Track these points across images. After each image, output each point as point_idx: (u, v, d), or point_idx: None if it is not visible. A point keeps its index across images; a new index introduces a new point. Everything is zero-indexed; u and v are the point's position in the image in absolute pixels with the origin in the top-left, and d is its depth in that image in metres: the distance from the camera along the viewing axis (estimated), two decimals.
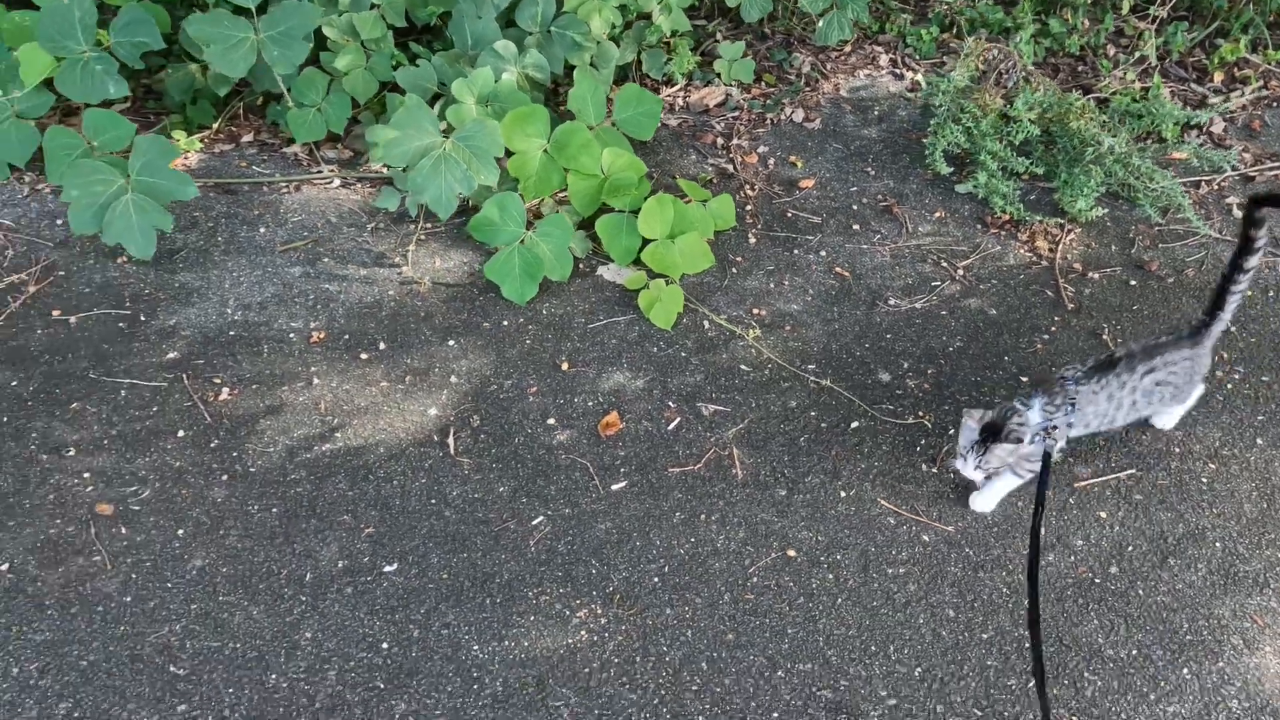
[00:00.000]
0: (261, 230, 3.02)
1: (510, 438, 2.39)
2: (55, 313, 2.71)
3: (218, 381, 2.52)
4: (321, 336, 2.66)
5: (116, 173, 2.83)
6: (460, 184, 2.81)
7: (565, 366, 2.58)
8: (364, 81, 3.23)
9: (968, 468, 2.10)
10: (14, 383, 2.51)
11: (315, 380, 2.53)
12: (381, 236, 3.00)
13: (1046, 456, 2.08)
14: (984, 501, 2.25)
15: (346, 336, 2.66)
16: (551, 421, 2.43)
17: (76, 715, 1.86)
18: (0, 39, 3.20)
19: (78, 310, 2.72)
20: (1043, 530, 2.15)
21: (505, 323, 2.71)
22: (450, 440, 2.38)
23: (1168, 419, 2.42)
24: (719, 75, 3.72)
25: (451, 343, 2.65)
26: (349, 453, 2.35)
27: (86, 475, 2.29)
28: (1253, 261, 2.14)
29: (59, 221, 3.03)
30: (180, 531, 2.16)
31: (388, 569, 2.11)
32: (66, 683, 1.91)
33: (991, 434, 2.08)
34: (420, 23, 3.38)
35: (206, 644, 1.97)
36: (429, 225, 3.04)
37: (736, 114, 3.58)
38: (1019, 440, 2.06)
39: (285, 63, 2.96)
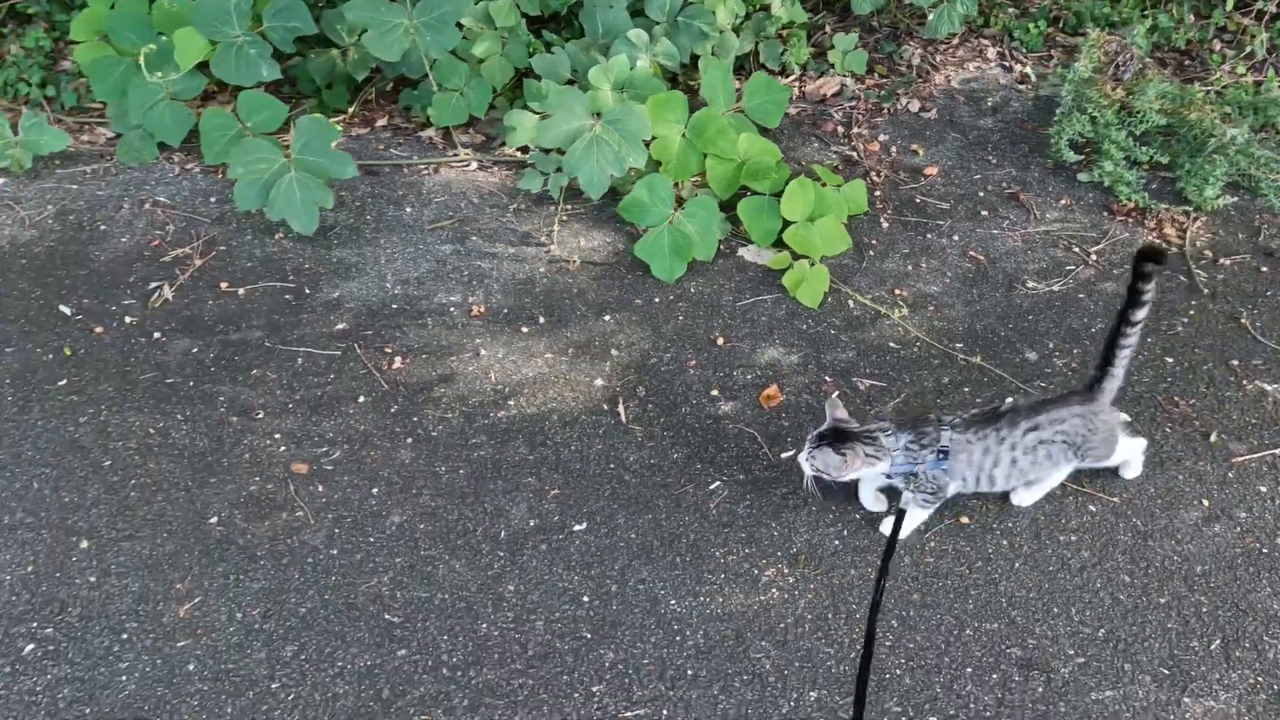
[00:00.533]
0: (407, 210, 3.12)
1: (676, 407, 2.48)
2: (223, 285, 2.82)
3: (389, 351, 2.62)
4: (481, 310, 2.75)
5: (278, 152, 2.94)
6: (612, 165, 2.90)
7: (720, 341, 2.67)
8: (500, 68, 3.33)
9: (802, 453, 2.07)
10: (195, 350, 2.62)
11: (482, 351, 2.63)
12: (524, 217, 3.10)
13: (900, 512, 2.06)
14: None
15: (505, 311, 2.76)
16: (715, 393, 2.52)
17: (302, 657, 1.96)
18: (150, 24, 3.32)
19: (244, 283, 2.83)
20: (887, 581, 2.00)
21: (656, 300, 2.80)
22: (621, 409, 2.47)
23: (1130, 470, 2.29)
24: (832, 66, 3.79)
25: (607, 318, 2.74)
26: (524, 419, 2.44)
27: (277, 436, 2.39)
28: (1140, 315, 2.05)
29: (212, 199, 3.15)
30: (375, 490, 2.26)
31: (577, 528, 2.20)
32: (289, 627, 2.01)
33: (838, 437, 2.02)
34: (549, 11, 3.48)
35: (415, 594, 2.07)
36: (568, 206, 3.13)
37: (854, 104, 3.66)
38: (849, 458, 1.99)
39: (437, 47, 3.06)
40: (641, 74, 3.18)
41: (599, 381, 2.55)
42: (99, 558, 2.12)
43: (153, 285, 2.81)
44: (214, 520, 2.20)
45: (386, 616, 2.03)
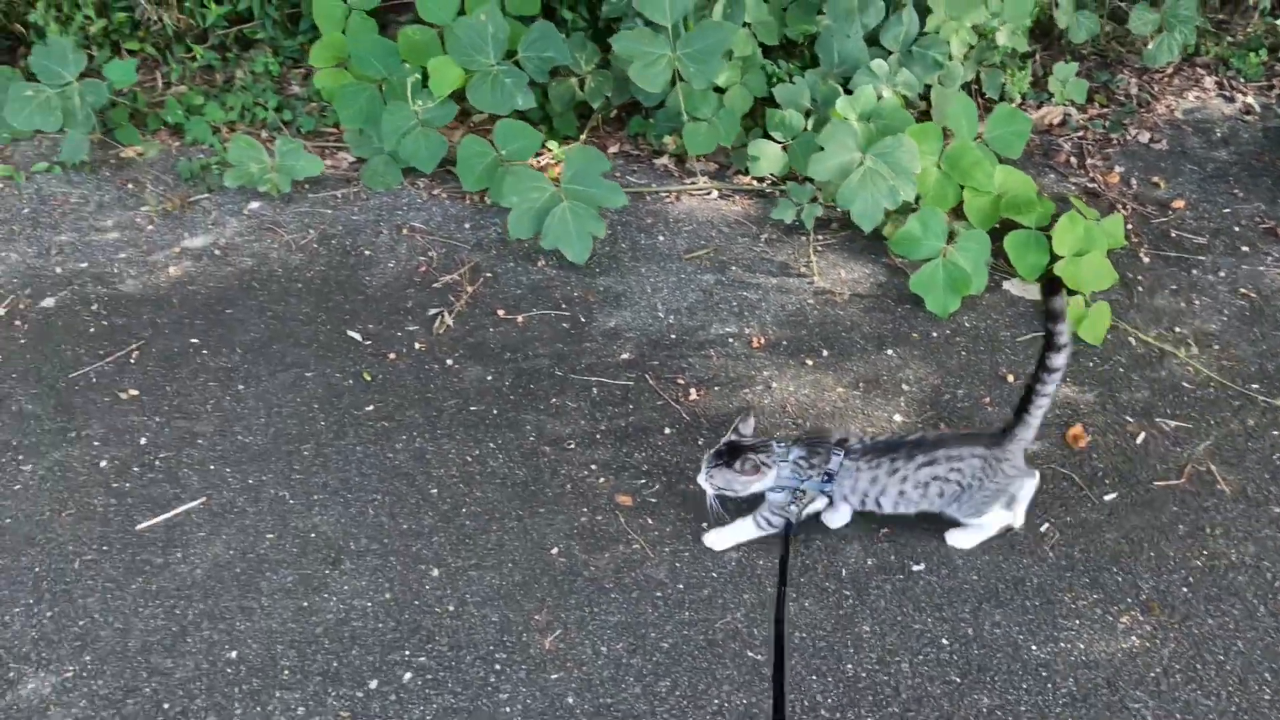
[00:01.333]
0: (660, 238, 3.14)
1: None
2: (500, 312, 2.86)
3: (681, 382, 2.64)
4: (761, 342, 2.76)
5: (549, 182, 2.98)
6: (886, 199, 2.90)
7: (1010, 378, 2.65)
8: (741, 97, 3.35)
9: (701, 474, 2.08)
10: (489, 377, 2.66)
11: (773, 384, 2.64)
12: (777, 247, 3.11)
13: (789, 525, 2.04)
14: (718, 539, 2.20)
15: (784, 343, 2.76)
16: None
17: (677, 693, 1.97)
18: (396, 52, 3.39)
19: (519, 310, 2.87)
20: (789, 605, 2.06)
21: (934, 334, 2.79)
22: None
23: (962, 537, 2.21)
24: (1051, 95, 3.77)
25: (889, 352, 2.73)
26: None
27: (593, 467, 2.41)
28: (1059, 360, 1.94)
29: (466, 225, 3.20)
30: (704, 524, 2.27)
31: (916, 568, 2.19)
32: (656, 662, 2.02)
33: (733, 454, 2.03)
34: (783, 42, 3.49)
35: (773, 631, 2.07)
36: (819, 237, 3.13)
37: (1080, 134, 3.63)
38: (755, 470, 2.01)
39: (701, 78, 3.08)
40: (890, 104, 3.18)
41: (898, 417, 2.55)
42: (451, 586, 2.16)
43: (432, 311, 2.86)
44: (555, 551, 2.23)
45: (749, 654, 2.04)
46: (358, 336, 2.78)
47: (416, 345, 2.75)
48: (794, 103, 3.28)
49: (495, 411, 2.55)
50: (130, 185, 3.35)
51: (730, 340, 2.77)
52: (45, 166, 3.41)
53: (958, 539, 2.22)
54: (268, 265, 3.03)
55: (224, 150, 3.49)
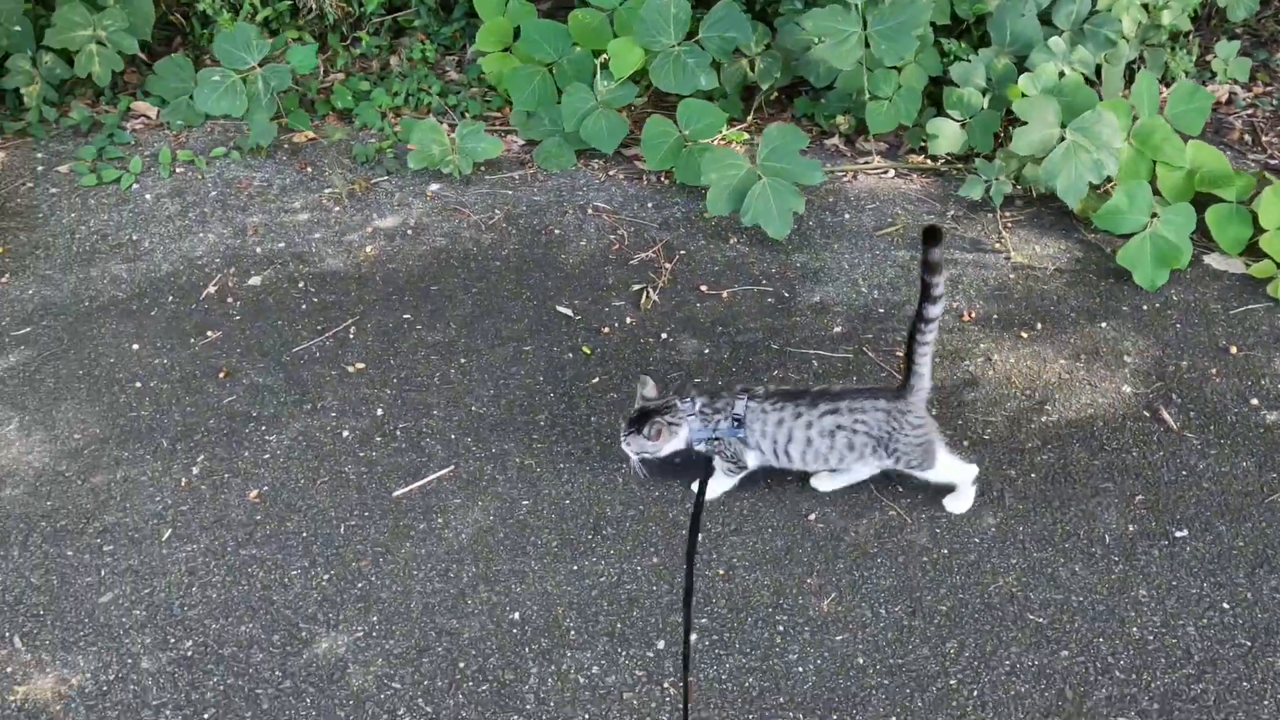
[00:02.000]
0: (846, 216, 3.15)
1: (1220, 416, 2.45)
2: (702, 288, 2.88)
3: (899, 355, 2.64)
4: (972, 315, 2.76)
5: (745, 159, 3.00)
6: (1090, 173, 2.89)
7: (1234, 350, 2.63)
8: (916, 76, 3.35)
9: (626, 448, 2.14)
10: (706, 350, 2.67)
11: (993, 356, 2.64)
12: (965, 223, 3.11)
13: (707, 460, 2.11)
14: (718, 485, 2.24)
15: (995, 317, 2.76)
16: (1255, 402, 2.48)
17: (966, 654, 1.98)
18: (567, 35, 3.42)
19: (721, 286, 2.88)
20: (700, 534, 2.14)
21: (1144, 307, 2.78)
22: (1166, 416, 2.45)
23: (956, 501, 2.23)
24: (1214, 74, 3.74)
25: (1103, 324, 2.72)
26: (1069, 425, 2.44)
27: None
28: (934, 311, 1.97)
29: (649, 205, 3.22)
30: (939, 495, 2.27)
31: (1178, 534, 2.19)
32: (938, 625, 2.03)
33: (642, 418, 2.09)
34: (952, 21, 3.49)
35: (1049, 595, 2.07)
36: (1007, 214, 3.13)
37: (1249, 111, 3.60)
38: (658, 435, 2.08)
39: (892, 55, 3.09)
40: (1073, 81, 3.17)
41: (1126, 388, 2.54)
42: (716, 550, 2.17)
43: (635, 288, 2.88)
44: (812, 518, 2.24)
45: (1030, 616, 2.04)
46: (568, 312, 2.80)
47: (628, 320, 2.78)
48: (968, 81, 3.28)
49: (721, 383, 2.57)
50: (309, 169, 3.40)
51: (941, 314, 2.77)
52: (223, 151, 3.47)
53: (951, 504, 2.24)
54: (461, 244, 3.06)
55: (394, 135, 3.54)
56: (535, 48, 3.45)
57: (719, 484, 2.23)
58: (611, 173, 3.36)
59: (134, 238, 3.12)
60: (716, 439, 2.13)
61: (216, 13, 3.71)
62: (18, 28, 3.55)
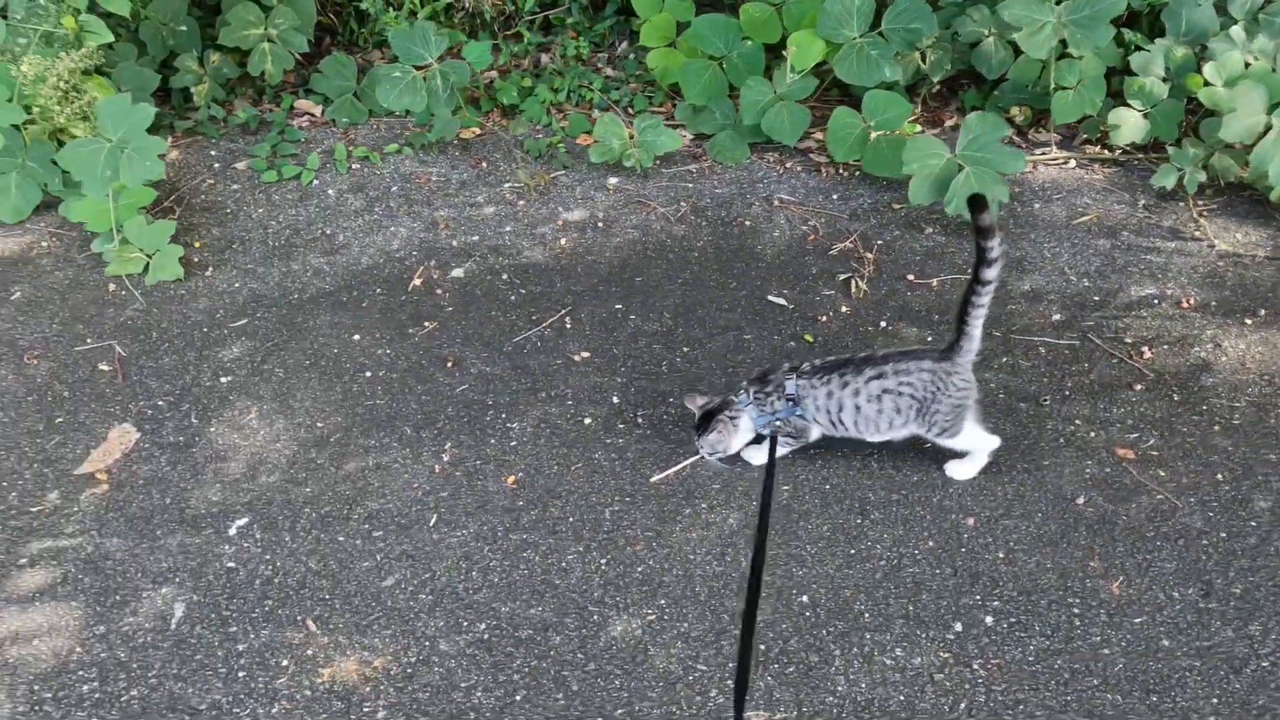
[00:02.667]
0: (1035, 206, 3.14)
1: None
2: (910, 277, 2.88)
3: (1129, 341, 2.63)
4: (1190, 303, 2.75)
5: (946, 149, 2.99)
6: None
7: None
8: (1095, 66, 3.34)
9: (703, 453, 2.25)
10: (929, 338, 2.67)
11: (1222, 343, 2.62)
12: (1158, 212, 3.09)
13: (773, 439, 2.13)
14: (756, 457, 2.31)
15: (1213, 304, 2.75)
16: None
17: (1271, 637, 1.96)
18: (738, 29, 3.43)
19: (926, 275, 2.88)
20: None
21: None
22: None
23: (960, 467, 2.26)
24: None
25: None
26: None
27: (1079, 422, 2.41)
28: (990, 274, 2.00)
29: (834, 195, 3.22)
30: (1218, 476, 2.26)
31: None
32: (1236, 608, 2.01)
33: (706, 419, 2.19)
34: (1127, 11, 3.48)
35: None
36: (1199, 202, 3.12)
37: None
38: (720, 430, 2.18)
39: (1087, 44, 3.08)
40: (1260, 70, 3.15)
41: None
42: (990, 534, 2.17)
43: (842, 277, 2.88)
44: (1080, 501, 2.23)
45: None
46: (781, 301, 2.81)
47: (842, 309, 2.78)
48: (1148, 71, 3.27)
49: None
50: (484, 164, 3.42)
51: (1156, 301, 2.76)
52: (396, 147, 3.49)
53: (956, 470, 2.27)
54: (654, 236, 3.07)
55: (562, 130, 3.55)
56: (704, 42, 3.46)
57: (779, 451, 2.26)
58: (788, 165, 3.37)
59: (326, 232, 3.14)
60: (778, 420, 2.17)
61: (381, 11, 3.74)
62: (183, 27, 3.58)
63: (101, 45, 2.98)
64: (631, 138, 3.33)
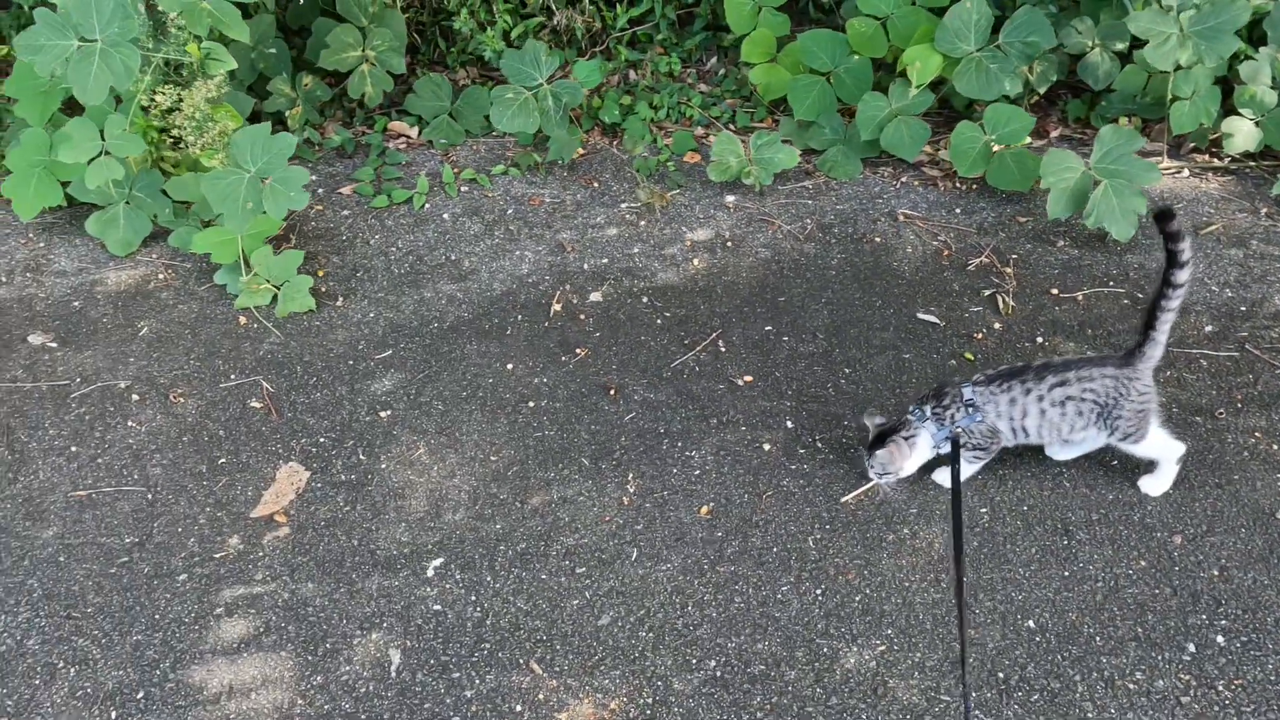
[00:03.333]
0: None
1: None
2: (1053, 291, 2.88)
3: None
4: None
5: (1081, 162, 3.00)
6: None
7: None
8: (1204, 76, 3.37)
9: (872, 476, 2.25)
10: (1088, 351, 2.66)
11: None
12: None
13: (954, 443, 2.13)
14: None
15: None
16: None
17: None
18: (846, 45, 3.43)
19: (1069, 289, 2.88)
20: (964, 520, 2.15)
21: None
22: None
23: (1153, 482, 2.27)
24: None
25: None
26: None
27: (1258, 434, 2.42)
28: (1182, 276, 2.05)
29: (957, 210, 3.22)
30: None
31: None
32: None
33: (879, 441, 2.18)
34: None
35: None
36: None
37: None
38: (895, 450, 2.16)
39: (1211, 55, 3.10)
40: None
41: None
42: (1200, 553, 2.16)
43: (986, 293, 2.88)
44: None
45: None
46: (932, 319, 2.80)
47: (995, 325, 2.77)
48: (1255, 79, 3.30)
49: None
50: (595, 184, 3.38)
51: None
52: (502, 169, 3.45)
53: (1149, 485, 2.28)
54: (786, 255, 3.05)
55: (666, 148, 3.53)
56: (811, 58, 3.45)
57: (966, 470, 2.25)
58: (903, 180, 3.36)
59: (451, 257, 3.09)
60: (960, 429, 2.17)
61: (476, 31, 3.69)
62: (272, 50, 3.52)
63: (226, 73, 2.91)
64: (747, 155, 3.31)
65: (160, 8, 2.81)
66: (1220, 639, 2.00)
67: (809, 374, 2.63)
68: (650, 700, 1.94)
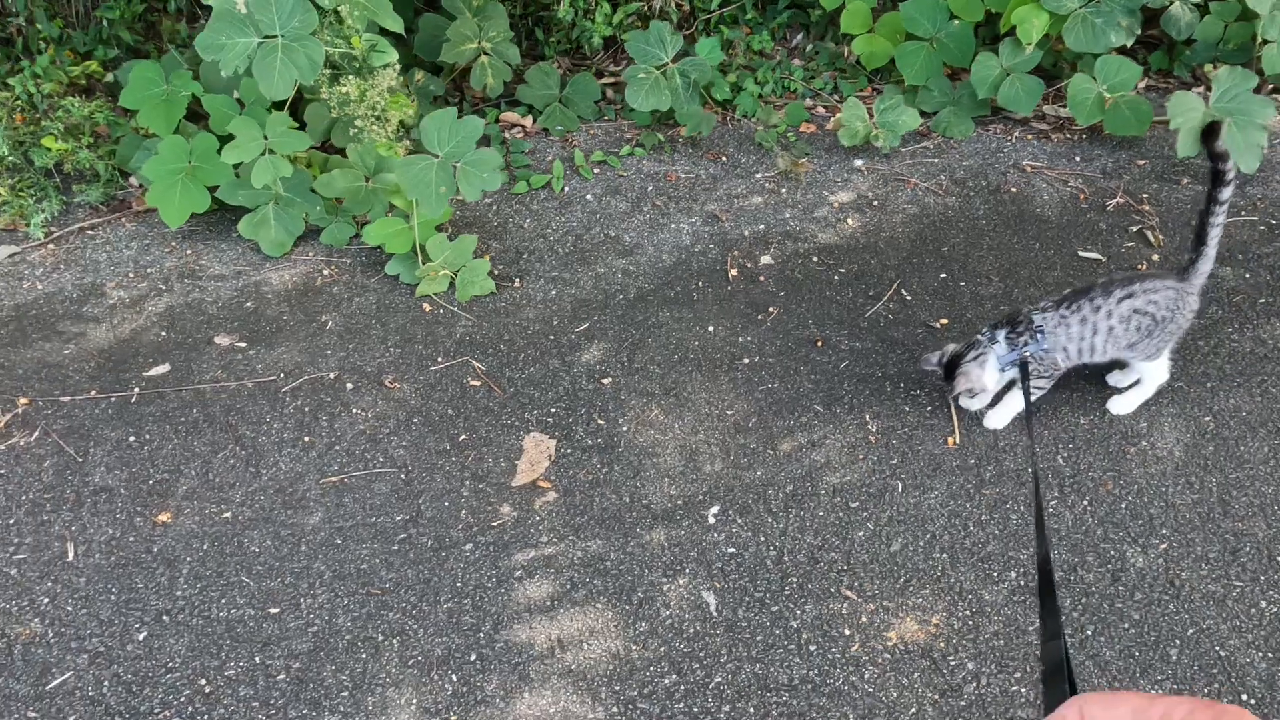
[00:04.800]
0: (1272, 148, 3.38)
1: None
2: (1193, 223, 3.06)
3: None
4: None
5: (1202, 102, 3.20)
6: None
7: None
8: None
9: (964, 401, 2.35)
10: (1246, 275, 2.85)
11: None
12: None
13: (1024, 365, 2.22)
14: (996, 419, 2.40)
15: None
16: None
17: None
18: (944, 9, 3.59)
19: None
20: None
21: None
22: None
23: (1123, 402, 2.41)
24: None
25: None
26: None
27: None
28: (1226, 194, 2.19)
29: (1076, 157, 3.39)
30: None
31: None
32: None
33: (950, 368, 2.27)
34: None
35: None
36: None
37: None
38: (965, 374, 2.24)
39: None
40: None
41: None
42: None
43: (1134, 229, 3.05)
44: None
45: None
46: (1094, 255, 2.95)
47: (1152, 256, 2.94)
48: None
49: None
50: (723, 158, 3.48)
51: None
52: (629, 150, 3.52)
53: (1119, 405, 2.41)
54: (931, 209, 3.19)
55: (782, 120, 3.64)
56: (914, 25, 3.60)
57: (1035, 394, 2.31)
58: (1015, 135, 3.53)
59: (609, 234, 3.15)
60: (1029, 353, 2.23)
61: (580, 18, 3.76)
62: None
63: (397, 63, 2.93)
64: (871, 120, 3.43)
65: (321, 3, 2.82)
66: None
67: (998, 313, 2.76)
68: (968, 612, 2.03)
